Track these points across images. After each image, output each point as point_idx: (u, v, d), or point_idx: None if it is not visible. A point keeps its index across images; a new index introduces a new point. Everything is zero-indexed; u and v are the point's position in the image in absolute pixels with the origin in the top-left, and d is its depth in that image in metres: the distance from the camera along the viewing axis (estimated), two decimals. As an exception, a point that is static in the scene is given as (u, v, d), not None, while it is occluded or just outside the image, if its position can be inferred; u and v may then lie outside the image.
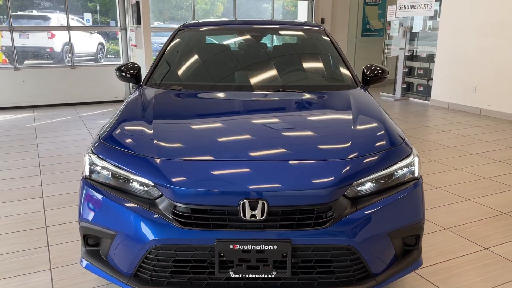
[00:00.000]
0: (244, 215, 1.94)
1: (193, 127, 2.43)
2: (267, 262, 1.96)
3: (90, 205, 2.18)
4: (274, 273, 1.97)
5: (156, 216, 1.99)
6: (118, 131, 2.39)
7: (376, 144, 2.25)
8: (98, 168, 2.20)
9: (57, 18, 9.48)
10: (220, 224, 1.96)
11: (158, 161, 2.08)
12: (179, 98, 2.93)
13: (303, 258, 1.99)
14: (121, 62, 8.73)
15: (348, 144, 2.20)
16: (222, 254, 1.95)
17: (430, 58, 8.87)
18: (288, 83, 3.21)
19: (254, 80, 3.23)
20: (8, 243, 3.00)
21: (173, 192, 1.98)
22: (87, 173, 2.25)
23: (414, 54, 9.33)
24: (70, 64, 8.30)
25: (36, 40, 9.76)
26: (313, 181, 1.99)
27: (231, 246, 1.93)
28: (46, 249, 2.94)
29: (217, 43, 3.92)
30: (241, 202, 1.93)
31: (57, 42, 9.83)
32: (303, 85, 3.22)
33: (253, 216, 1.94)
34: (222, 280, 2.03)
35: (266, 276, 1.98)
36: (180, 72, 3.39)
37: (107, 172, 2.17)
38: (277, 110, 2.73)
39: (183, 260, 2.00)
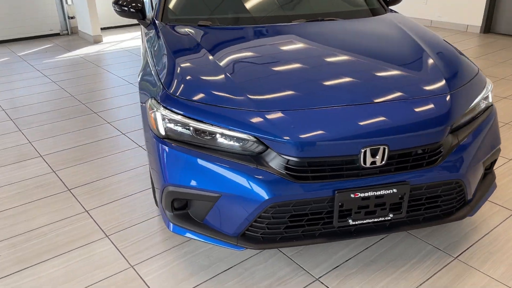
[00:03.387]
0: (365, 162, 1.87)
1: (273, 69, 2.18)
2: (384, 206, 1.95)
3: (179, 167, 1.97)
4: (391, 215, 1.98)
5: (268, 172, 1.86)
6: (188, 79, 2.11)
7: (464, 76, 2.23)
8: (178, 126, 1.97)
9: None
10: (338, 174, 1.89)
11: (264, 114, 1.89)
12: (227, 36, 2.61)
13: (416, 197, 2.01)
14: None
15: (442, 78, 2.15)
16: (341, 204, 1.90)
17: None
18: (318, 10, 3.00)
19: (287, 11, 2.96)
20: (38, 214, 2.69)
21: (286, 146, 1.84)
22: (163, 132, 2.02)
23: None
24: (-11, -6, 7.11)
25: None
26: (432, 120, 1.95)
27: (352, 195, 1.88)
28: (86, 214, 2.68)
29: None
30: (363, 150, 1.85)
31: None
32: (331, 12, 3.03)
33: (373, 163, 1.88)
34: (335, 228, 2.00)
35: (382, 219, 1.99)
36: (199, 3, 3.00)
37: (189, 129, 1.95)
38: (343, 43, 2.50)
39: (299, 214, 1.93)
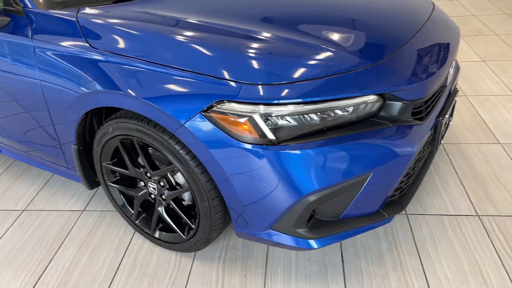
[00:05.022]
0: (447, 81, 1.95)
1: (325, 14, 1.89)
2: (447, 117, 2.10)
3: (315, 168, 1.55)
4: (450, 123, 2.16)
5: (402, 126, 1.69)
6: (262, 59, 1.59)
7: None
8: (286, 119, 1.53)
9: None
10: (435, 102, 1.90)
11: (383, 65, 1.64)
12: None
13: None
14: None
15: None
16: (438, 128, 1.94)
17: None
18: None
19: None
20: None
21: (412, 92, 1.69)
22: (272, 137, 1.52)
23: None
24: None
25: None
26: (454, 26, 2.19)
27: (441, 118, 1.95)
28: None
29: None
30: (450, 70, 1.92)
31: None
32: None
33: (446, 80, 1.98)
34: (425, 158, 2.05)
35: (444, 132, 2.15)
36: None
37: (303, 117, 1.55)
38: None
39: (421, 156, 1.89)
